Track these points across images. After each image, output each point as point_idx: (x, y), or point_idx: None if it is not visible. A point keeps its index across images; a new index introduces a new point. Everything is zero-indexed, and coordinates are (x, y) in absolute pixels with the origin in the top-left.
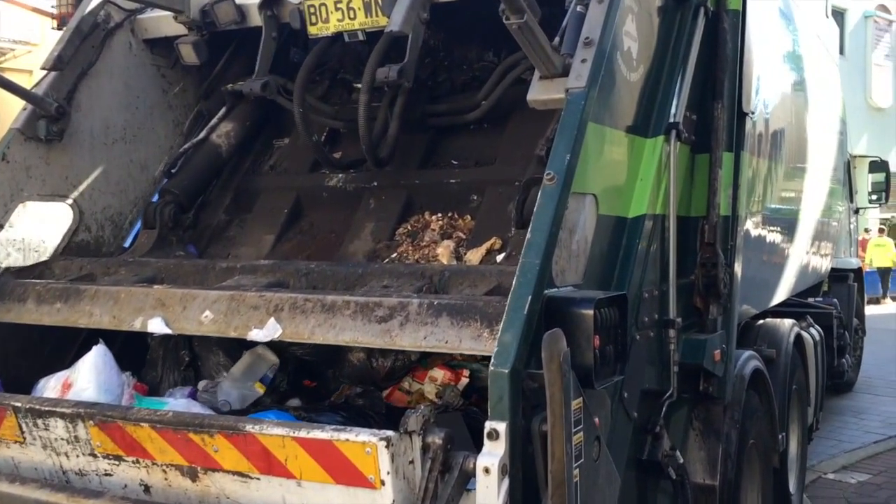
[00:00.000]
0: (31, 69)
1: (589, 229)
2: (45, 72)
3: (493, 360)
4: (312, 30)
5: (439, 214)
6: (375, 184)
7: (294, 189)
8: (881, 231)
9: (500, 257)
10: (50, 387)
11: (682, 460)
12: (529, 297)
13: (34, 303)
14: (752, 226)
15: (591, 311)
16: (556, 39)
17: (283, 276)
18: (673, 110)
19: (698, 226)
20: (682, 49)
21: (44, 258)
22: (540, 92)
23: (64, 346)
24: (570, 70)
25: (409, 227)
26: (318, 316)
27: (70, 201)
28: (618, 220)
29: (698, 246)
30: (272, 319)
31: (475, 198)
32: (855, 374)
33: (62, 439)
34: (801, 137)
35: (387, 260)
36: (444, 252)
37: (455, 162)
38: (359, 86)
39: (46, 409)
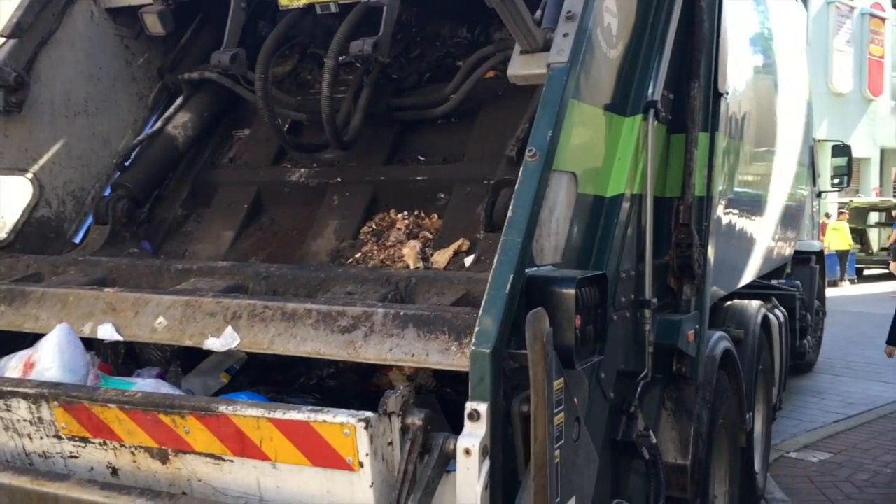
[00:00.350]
0: None
1: (568, 208)
2: (2, 40)
3: (474, 339)
4: (283, 0)
5: (405, 213)
6: (339, 179)
7: (254, 183)
8: (840, 215)
9: (468, 260)
10: (11, 366)
11: (654, 440)
12: (511, 276)
13: None
14: (723, 207)
15: (572, 291)
16: (538, 13)
17: (241, 279)
18: (651, 89)
19: (673, 206)
20: (660, 26)
21: (2, 235)
22: (521, 67)
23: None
24: (552, 45)
25: (373, 226)
26: (278, 325)
27: (30, 175)
28: (596, 199)
29: (673, 226)
30: (230, 328)
31: (442, 196)
32: (815, 355)
33: (25, 420)
34: (771, 120)
35: (351, 260)
36: (409, 253)
37: (422, 158)
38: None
39: (8, 389)
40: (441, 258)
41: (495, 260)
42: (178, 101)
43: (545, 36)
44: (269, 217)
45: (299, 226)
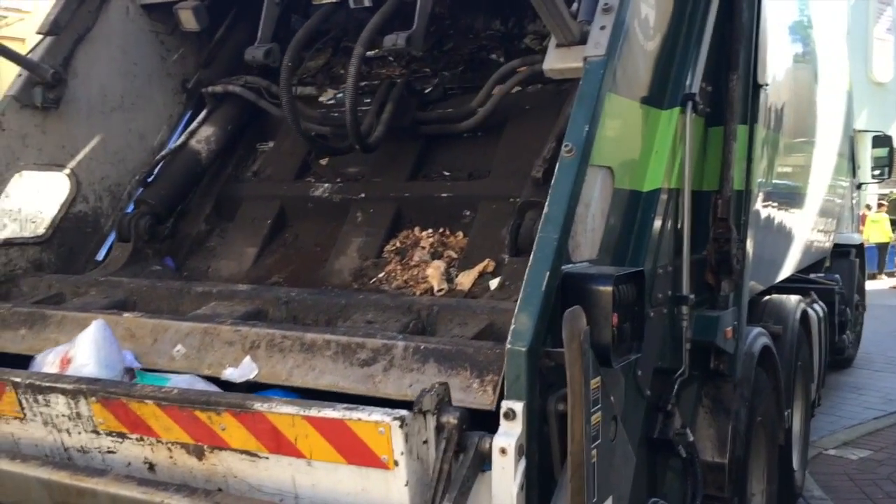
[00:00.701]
0: (23, 37)
1: (604, 203)
2: (38, 38)
3: (510, 337)
4: None
5: (430, 230)
6: (363, 195)
7: (278, 198)
8: (880, 206)
9: (493, 283)
10: (48, 362)
11: (692, 438)
12: (548, 274)
13: None
14: (761, 200)
15: (610, 288)
16: (574, 5)
17: (261, 304)
18: (689, 81)
19: (710, 200)
20: (698, 17)
21: (41, 230)
22: (556, 60)
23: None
24: (588, 38)
25: (397, 244)
26: (296, 356)
27: (67, 171)
28: (632, 194)
29: (710, 221)
30: (248, 358)
31: (468, 213)
32: (854, 350)
33: (63, 416)
34: (811, 111)
35: (374, 280)
36: (434, 273)
37: (447, 173)
38: (370, 53)
39: (47, 384)
40: (466, 280)
41: (531, 257)
42: (202, 114)
43: (581, 29)
44: (293, 233)
45: (322, 242)
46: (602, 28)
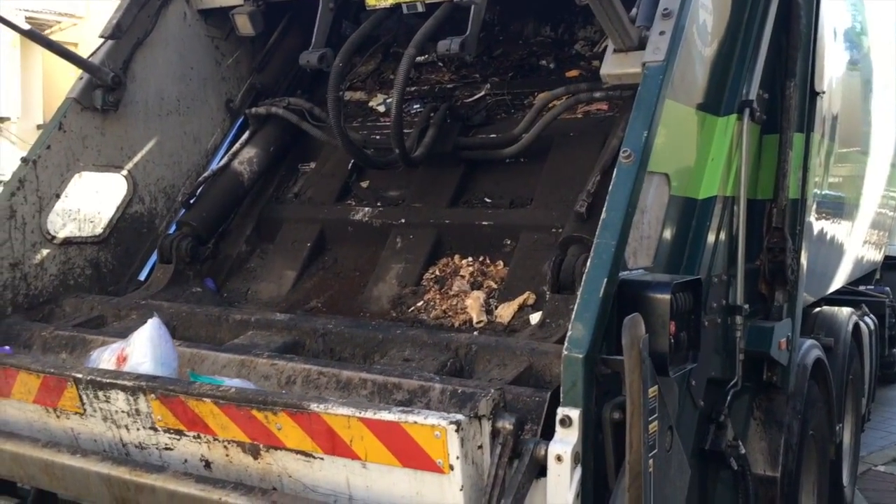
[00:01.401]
0: (76, 42)
1: (660, 210)
2: (100, 42)
3: (566, 343)
4: (371, 0)
5: (470, 259)
6: (403, 220)
7: (318, 221)
8: None
9: (533, 318)
10: (104, 359)
11: (743, 450)
12: (605, 280)
13: (39, 351)
14: (815, 210)
15: (668, 296)
16: (633, 11)
17: (298, 335)
18: (746, 88)
19: (765, 209)
20: (756, 24)
21: (98, 230)
22: (614, 66)
23: None
24: (647, 43)
25: (437, 272)
26: (332, 393)
27: (125, 172)
28: (688, 202)
29: (765, 230)
30: None
31: (508, 242)
32: None
33: (123, 412)
34: (865, 119)
35: (412, 308)
36: (473, 304)
37: (488, 200)
38: (420, 58)
39: (108, 381)
40: (505, 312)
41: (588, 263)
42: (245, 135)
43: (640, 34)
44: (332, 256)
45: (361, 267)
46: (661, 33)
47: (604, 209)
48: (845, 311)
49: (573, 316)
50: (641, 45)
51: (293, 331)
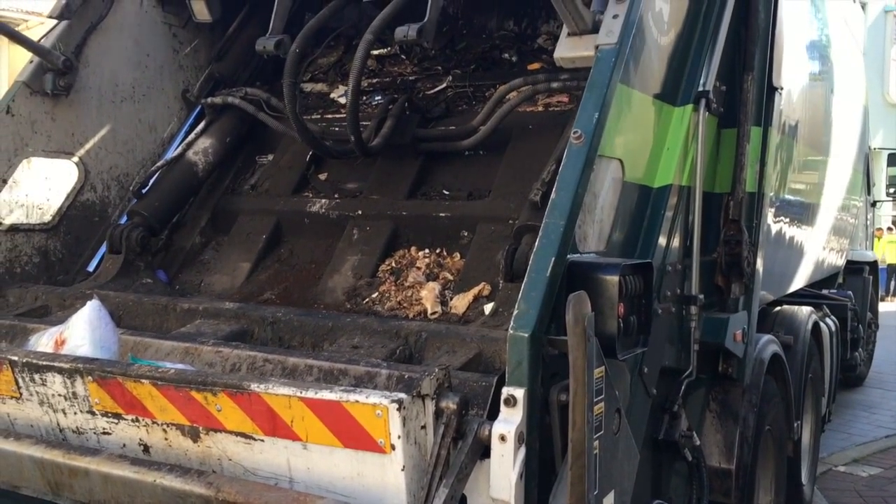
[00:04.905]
0: None
1: (613, 195)
2: (53, 23)
3: (512, 322)
4: None
5: (426, 251)
6: (360, 212)
7: (274, 213)
8: (889, 230)
9: (487, 308)
10: (42, 343)
11: (698, 442)
12: (553, 259)
13: None
14: (774, 208)
15: (616, 278)
16: None
17: (247, 323)
18: (703, 79)
19: (722, 202)
20: (713, 15)
21: (47, 217)
22: (568, 49)
23: None
24: (601, 26)
25: (392, 264)
26: (277, 380)
27: (76, 159)
28: (643, 189)
29: (722, 223)
30: None
31: (465, 234)
32: (866, 368)
33: (59, 395)
34: (826, 121)
35: (367, 300)
36: (428, 296)
37: (446, 192)
38: (379, 52)
39: (44, 363)
40: (460, 303)
41: (536, 243)
42: (201, 125)
43: (594, 18)
44: (288, 248)
45: (317, 259)
46: (615, 17)
47: (553, 190)
48: (805, 310)
49: (520, 295)
50: (595, 29)
51: (241, 319)
